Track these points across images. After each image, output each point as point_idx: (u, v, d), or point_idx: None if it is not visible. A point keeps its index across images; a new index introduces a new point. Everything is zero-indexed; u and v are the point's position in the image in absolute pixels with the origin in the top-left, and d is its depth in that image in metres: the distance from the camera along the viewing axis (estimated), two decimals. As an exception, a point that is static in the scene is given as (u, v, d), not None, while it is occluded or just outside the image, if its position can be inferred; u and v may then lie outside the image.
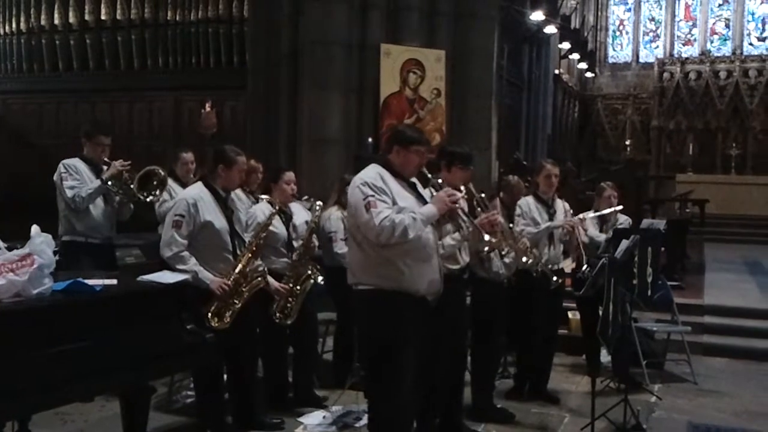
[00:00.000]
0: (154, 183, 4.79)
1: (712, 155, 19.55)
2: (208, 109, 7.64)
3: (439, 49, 8.66)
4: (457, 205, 3.47)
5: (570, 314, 6.46)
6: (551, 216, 5.24)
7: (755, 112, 19.55)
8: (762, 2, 20.90)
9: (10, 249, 2.80)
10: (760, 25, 20.98)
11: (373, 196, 3.29)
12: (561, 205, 5.40)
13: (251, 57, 9.33)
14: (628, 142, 19.83)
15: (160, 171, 4.83)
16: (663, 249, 7.02)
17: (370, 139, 8.02)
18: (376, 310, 3.37)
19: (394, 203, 3.33)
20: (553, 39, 15.99)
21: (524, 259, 4.51)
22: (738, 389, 5.93)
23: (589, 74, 20.78)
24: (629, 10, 22.44)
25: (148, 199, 4.82)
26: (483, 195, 4.24)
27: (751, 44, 20.95)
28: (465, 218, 3.69)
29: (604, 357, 5.87)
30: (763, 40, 20.85)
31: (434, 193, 3.73)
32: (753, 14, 21.11)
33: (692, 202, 13.19)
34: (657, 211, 11.51)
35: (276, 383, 4.69)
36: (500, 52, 10.23)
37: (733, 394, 5.79)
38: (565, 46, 17.06)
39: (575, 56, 18.59)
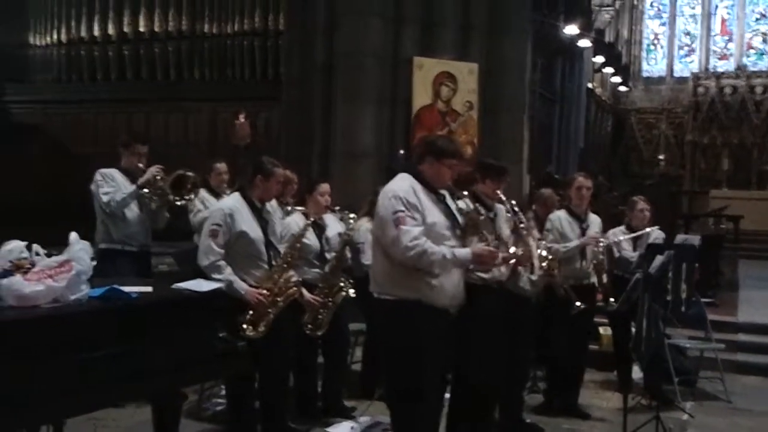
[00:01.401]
0: (188, 187, 4.87)
1: (747, 171, 19.23)
2: (242, 120, 7.74)
3: (471, 63, 8.68)
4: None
5: (601, 329, 6.40)
6: (584, 230, 5.21)
7: (791, 128, 19.24)
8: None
9: (48, 255, 2.87)
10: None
11: (403, 211, 3.28)
12: (595, 220, 5.38)
13: (286, 69, 9.45)
14: (661, 157, 19.60)
15: (192, 174, 4.90)
16: (697, 265, 6.95)
17: (401, 151, 8.05)
18: (398, 321, 3.37)
19: (424, 219, 3.33)
20: (587, 52, 15.92)
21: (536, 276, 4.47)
22: (774, 409, 5.82)
23: (622, 88, 20.62)
24: (664, 24, 22.25)
25: (181, 203, 4.89)
26: (514, 203, 4.24)
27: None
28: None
29: (636, 373, 5.80)
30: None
31: (466, 205, 3.74)
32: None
33: (726, 218, 12.99)
34: (691, 227, 11.36)
35: (305, 393, 4.72)
36: (533, 65, 10.22)
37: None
38: (599, 59, 16.97)
39: (609, 70, 18.47)
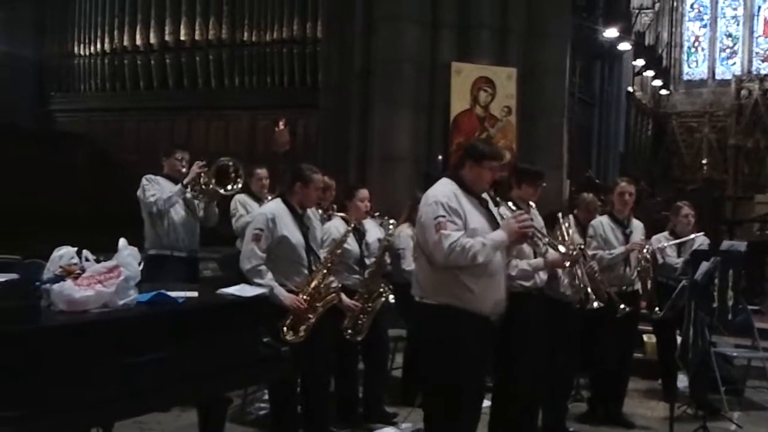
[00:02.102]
0: (231, 175, 4.93)
1: (792, 175, 18.81)
2: (281, 127, 7.81)
3: (510, 67, 8.63)
4: (527, 230, 3.45)
5: (645, 337, 6.29)
6: (627, 236, 5.13)
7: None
8: None
9: (97, 261, 2.93)
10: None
11: (444, 216, 3.30)
12: (638, 225, 5.30)
13: (324, 76, 9.51)
14: (704, 161, 19.24)
15: (233, 162, 4.96)
16: (743, 272, 6.80)
17: (440, 157, 8.03)
18: (439, 326, 3.37)
19: (466, 225, 3.34)
20: (627, 56, 15.71)
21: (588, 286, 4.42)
22: (825, 421, 5.66)
23: (663, 92, 20.32)
24: (705, 26, 21.88)
25: (230, 191, 4.94)
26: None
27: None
28: (540, 236, 3.67)
29: (681, 382, 5.68)
30: None
31: (506, 213, 3.73)
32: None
33: (772, 223, 12.66)
34: (735, 233, 11.11)
35: (347, 399, 4.73)
36: (572, 69, 10.10)
37: (820, 426, 5.52)
38: (639, 62, 16.74)
39: (649, 73, 18.22)
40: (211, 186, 4.89)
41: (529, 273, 4.10)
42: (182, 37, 11.84)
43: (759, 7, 21.27)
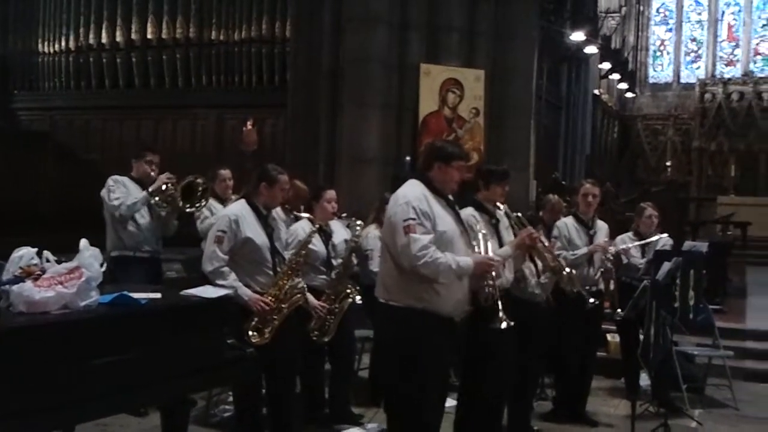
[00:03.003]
0: (198, 194, 4.90)
1: (754, 177, 19.18)
2: (249, 127, 7.78)
3: (478, 69, 8.69)
4: (491, 270, 3.49)
5: (609, 337, 6.38)
6: (591, 237, 5.20)
7: (800, 134, 19.19)
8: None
9: (59, 262, 2.89)
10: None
11: (414, 219, 3.30)
12: (602, 226, 5.37)
13: (292, 76, 9.48)
14: (668, 164, 19.56)
15: (202, 181, 4.93)
16: (705, 271, 6.93)
17: (408, 158, 8.06)
18: (402, 328, 3.38)
19: (435, 227, 3.35)
20: (593, 59, 15.92)
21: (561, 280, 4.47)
22: (783, 417, 5.79)
23: (629, 94, 20.61)
24: (670, 30, 22.24)
25: (191, 210, 4.92)
26: (520, 215, 4.26)
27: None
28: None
29: (644, 380, 5.78)
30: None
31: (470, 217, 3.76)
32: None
33: (734, 225, 12.95)
34: (698, 234, 11.32)
35: (313, 400, 4.72)
36: (539, 71, 10.22)
37: (779, 422, 5.66)
38: (605, 66, 16.95)
39: (615, 76, 18.46)
40: (176, 199, 4.85)
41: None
42: (149, 36, 11.71)
43: (723, 12, 21.69)
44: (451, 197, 3.56)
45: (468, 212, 4.02)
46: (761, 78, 20.36)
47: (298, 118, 9.08)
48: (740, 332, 7.50)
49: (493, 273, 3.55)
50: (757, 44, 21.18)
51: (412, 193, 3.40)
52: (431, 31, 8.60)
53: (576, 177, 13.28)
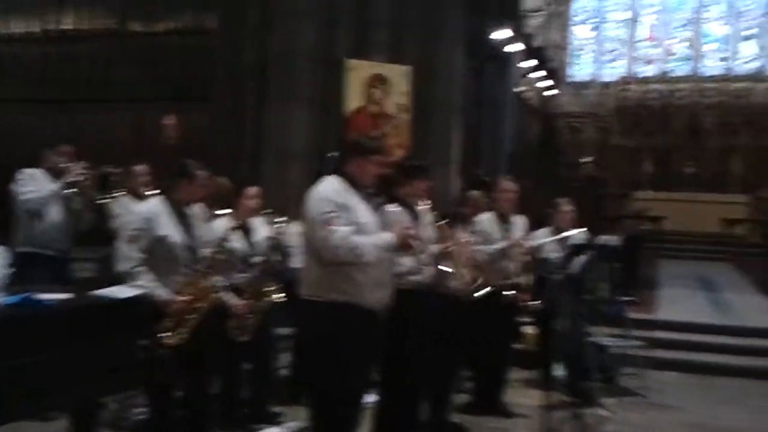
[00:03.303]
0: (111, 185, 4.81)
1: (668, 173, 19.99)
2: (171, 121, 7.64)
3: (404, 65, 8.76)
4: (413, 240, 3.54)
5: (525, 329, 6.54)
6: (509, 232, 5.34)
7: (711, 132, 20.05)
8: (721, 24, 21.50)
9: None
10: (718, 47, 21.53)
11: (331, 212, 3.34)
12: (520, 222, 5.52)
13: (217, 69, 9.34)
14: (587, 160, 20.18)
15: (117, 172, 4.85)
16: (618, 265, 7.20)
17: (333, 154, 8.05)
18: (326, 323, 3.40)
19: (354, 219, 3.39)
20: (516, 57, 16.24)
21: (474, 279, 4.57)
22: (689, 403, 6.09)
23: (551, 92, 21.11)
24: (592, 29, 22.88)
25: (104, 201, 4.82)
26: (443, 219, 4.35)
27: (709, 65, 21.49)
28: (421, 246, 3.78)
29: (558, 371, 5.96)
30: (721, 60, 21.40)
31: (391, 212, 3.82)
32: (712, 36, 21.67)
33: (649, 219, 13.49)
34: (614, 228, 11.72)
35: (231, 399, 4.67)
36: (465, 69, 10.37)
37: (684, 408, 5.94)
38: (528, 64, 17.32)
39: (538, 74, 18.89)
40: (90, 190, 4.74)
41: (416, 268, 4.18)
42: (68, 26, 11.33)
43: (642, 13, 22.43)
44: (370, 191, 3.60)
45: (390, 208, 4.08)
46: (676, 77, 21.18)
47: (223, 112, 8.97)
48: (651, 323, 7.84)
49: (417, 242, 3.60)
50: (674, 44, 22.01)
51: (328, 187, 3.45)
52: (358, 26, 8.63)
53: (499, 173, 13.52)
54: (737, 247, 14.86)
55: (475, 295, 4.50)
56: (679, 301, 9.36)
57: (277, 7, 8.31)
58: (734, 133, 19.80)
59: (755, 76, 20.28)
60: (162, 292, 3.81)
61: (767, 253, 11.70)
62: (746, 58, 21.14)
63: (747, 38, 21.28)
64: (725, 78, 20.58)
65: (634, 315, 7.36)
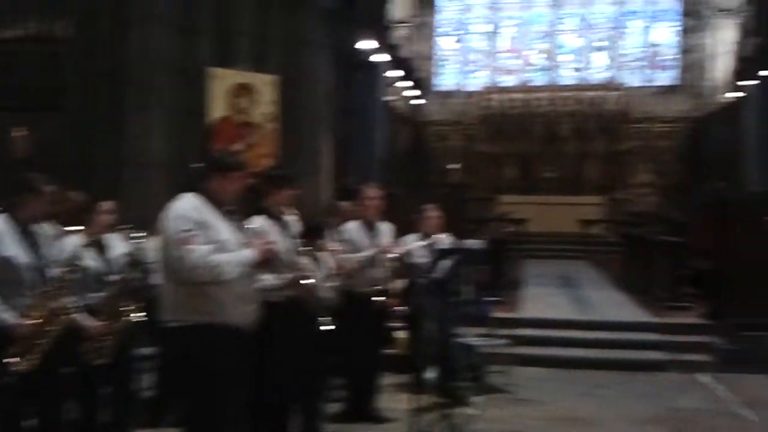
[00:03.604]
0: None
1: (530, 178, 20.98)
2: (20, 132, 7.17)
3: (271, 74, 8.66)
4: (273, 252, 3.51)
5: (396, 334, 6.62)
6: (374, 239, 5.39)
7: (568, 138, 21.23)
8: (575, 36, 22.85)
9: None
10: (573, 58, 22.86)
11: (187, 231, 3.24)
12: (386, 228, 5.58)
13: (70, 77, 8.84)
14: (454, 166, 20.81)
15: None
16: (484, 267, 7.45)
17: (195, 166, 7.83)
18: (192, 346, 3.30)
19: (213, 237, 3.30)
20: (384, 66, 16.50)
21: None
22: (551, 397, 6.38)
23: (418, 101, 21.61)
24: (457, 41, 23.65)
25: None
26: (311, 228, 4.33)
27: (565, 75, 22.74)
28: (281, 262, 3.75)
29: (429, 374, 6.08)
30: (576, 71, 22.72)
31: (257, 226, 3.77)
32: (567, 47, 22.95)
33: (513, 222, 14.06)
34: (480, 231, 12.11)
35: (89, 425, 4.41)
36: (332, 78, 10.40)
37: (548, 402, 6.22)
38: (396, 73, 17.64)
39: (405, 84, 19.28)
40: None
41: (280, 280, 4.14)
42: None
43: (503, 25, 23.42)
44: (233, 208, 3.52)
45: (257, 222, 4.02)
46: (535, 87, 22.26)
47: (76, 122, 8.49)
48: (516, 321, 8.18)
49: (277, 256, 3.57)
50: (532, 55, 23.13)
51: (182, 205, 3.34)
52: (221, 34, 8.44)
53: (370, 181, 13.62)
54: (594, 246, 15.80)
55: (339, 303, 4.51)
56: (542, 299, 9.81)
57: (133, 13, 7.98)
58: (589, 139, 21.04)
59: (607, 85, 21.65)
60: (7, 317, 3.55)
61: (621, 250, 12.46)
62: (598, 68, 22.56)
63: (599, 49, 22.71)
64: (580, 87, 21.84)
65: (499, 314, 7.68)
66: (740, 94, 17.41)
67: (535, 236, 15.55)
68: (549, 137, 21.18)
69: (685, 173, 19.85)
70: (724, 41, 19.81)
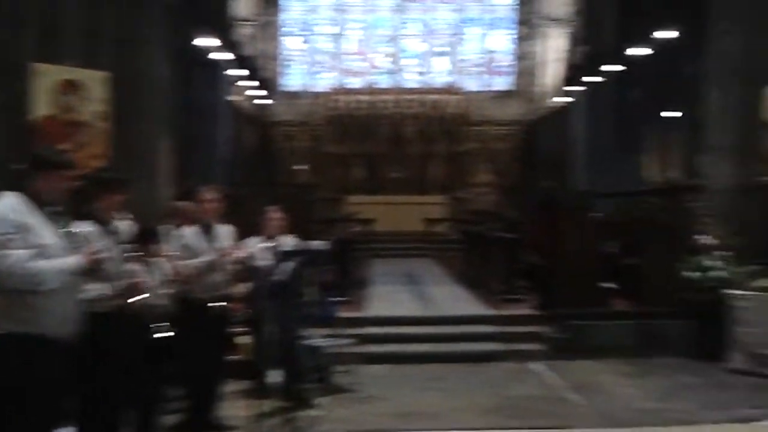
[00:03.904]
0: None
1: (377, 178, 21.34)
2: None
3: (103, 71, 8.20)
4: (100, 260, 3.40)
5: (239, 339, 6.48)
6: (213, 243, 5.23)
7: (412, 140, 21.80)
8: (418, 41, 23.52)
9: None
10: (417, 62, 23.51)
11: (6, 234, 3.05)
12: (225, 231, 5.43)
13: None
14: (302, 167, 20.77)
15: None
16: (329, 267, 7.47)
17: (18, 167, 7.26)
18: (7, 357, 3.11)
19: (35, 242, 3.12)
20: (228, 65, 16.15)
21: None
22: (394, 393, 6.51)
23: (265, 101, 21.36)
24: (303, 41, 23.60)
25: None
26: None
27: (408, 79, 23.34)
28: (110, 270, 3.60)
29: (272, 378, 6.00)
30: (419, 74, 23.39)
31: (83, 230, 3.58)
32: (410, 52, 23.55)
33: (360, 222, 14.22)
34: (327, 232, 12.14)
35: None
36: (172, 76, 10.01)
37: (389, 398, 6.33)
38: (240, 72, 17.31)
39: (250, 83, 18.97)
40: None
41: (108, 289, 3.95)
42: None
43: (349, 27, 23.65)
44: (57, 210, 3.31)
45: (83, 227, 3.81)
46: (381, 89, 22.65)
47: None
48: (362, 320, 8.27)
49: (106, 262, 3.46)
50: (378, 58, 23.55)
51: (5, 206, 3.14)
52: (47, 30, 7.91)
53: (215, 182, 13.27)
54: (438, 244, 16.34)
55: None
56: (387, 297, 9.99)
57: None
58: (432, 141, 21.72)
59: (448, 89, 22.45)
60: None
61: (462, 247, 12.94)
62: (440, 72, 23.36)
63: (440, 54, 23.52)
64: (423, 90, 22.51)
65: (345, 314, 7.73)
66: (569, 99, 18.65)
67: (382, 236, 15.82)
68: (394, 138, 21.66)
69: (521, 174, 21.00)
70: (554, 49, 21.13)
